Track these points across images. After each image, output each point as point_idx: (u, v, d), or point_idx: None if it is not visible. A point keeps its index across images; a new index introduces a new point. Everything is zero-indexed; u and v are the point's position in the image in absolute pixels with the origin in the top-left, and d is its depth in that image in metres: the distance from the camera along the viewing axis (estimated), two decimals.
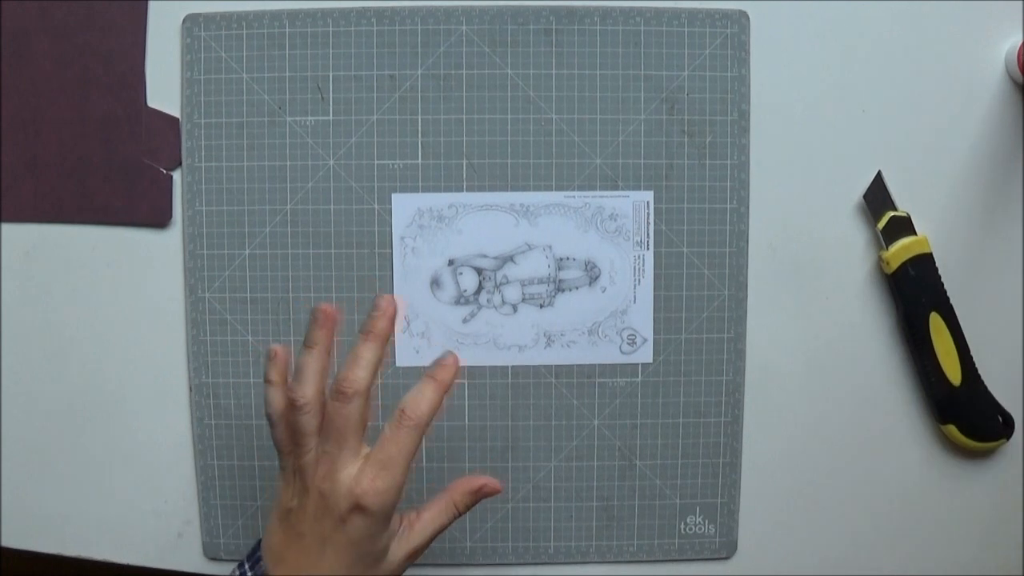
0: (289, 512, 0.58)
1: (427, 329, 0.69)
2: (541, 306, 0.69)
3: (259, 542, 0.60)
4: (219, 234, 0.69)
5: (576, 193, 0.69)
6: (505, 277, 0.69)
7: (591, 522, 0.71)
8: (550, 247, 0.69)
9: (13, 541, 0.71)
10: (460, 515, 0.61)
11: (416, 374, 0.69)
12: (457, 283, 0.69)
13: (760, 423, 0.70)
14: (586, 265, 0.69)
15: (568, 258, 0.69)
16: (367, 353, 0.58)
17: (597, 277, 0.69)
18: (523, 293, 0.69)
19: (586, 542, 0.71)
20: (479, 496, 0.61)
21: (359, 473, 0.57)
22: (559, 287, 0.69)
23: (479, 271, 0.69)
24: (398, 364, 0.69)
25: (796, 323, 0.70)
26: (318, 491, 0.57)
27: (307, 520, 0.57)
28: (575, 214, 0.69)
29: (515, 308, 0.69)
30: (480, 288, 0.69)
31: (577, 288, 0.69)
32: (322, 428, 0.58)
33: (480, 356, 0.69)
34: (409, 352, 0.69)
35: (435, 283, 0.69)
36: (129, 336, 0.70)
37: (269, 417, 0.60)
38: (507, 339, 0.69)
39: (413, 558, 0.60)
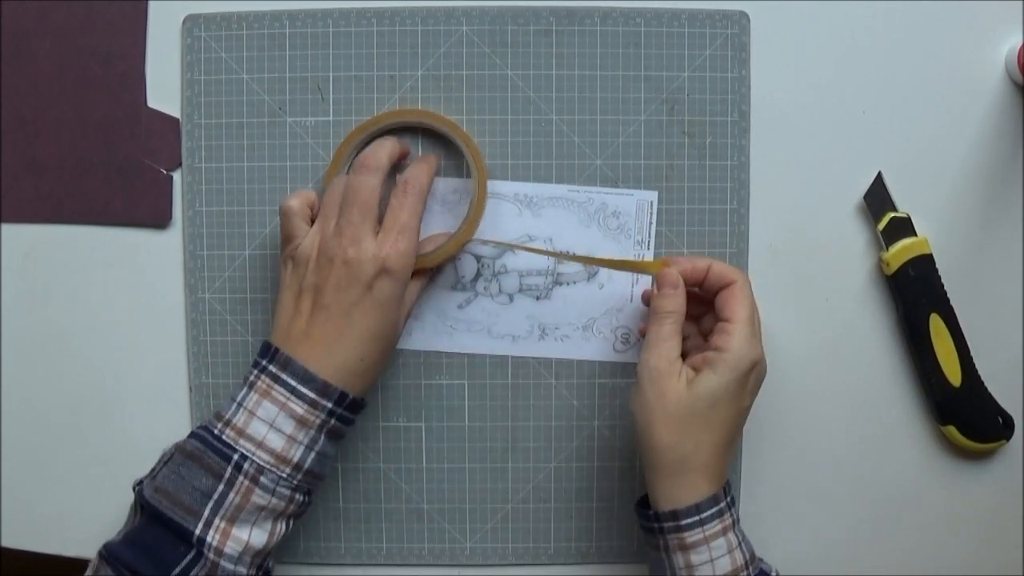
0: (304, 291, 0.61)
1: (421, 312, 0.69)
2: (537, 298, 0.69)
3: (265, 344, 0.61)
4: (219, 235, 0.69)
5: (580, 188, 0.69)
6: (504, 266, 0.69)
7: (591, 523, 0.71)
8: (551, 240, 0.69)
9: (13, 541, 0.71)
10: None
11: (409, 356, 0.69)
12: (455, 268, 0.69)
13: (760, 424, 0.70)
14: None
15: (568, 252, 0.69)
16: (387, 143, 0.65)
17: (596, 273, 0.69)
18: (520, 284, 0.69)
19: (586, 543, 0.71)
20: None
21: (381, 239, 0.61)
22: (557, 280, 0.69)
23: (478, 258, 0.69)
24: None
25: (796, 324, 0.70)
26: (343, 260, 0.60)
27: (330, 291, 0.60)
28: (578, 208, 0.69)
29: (511, 298, 0.69)
30: (478, 275, 0.69)
31: (575, 283, 0.69)
32: (344, 202, 0.62)
33: (473, 344, 0.69)
34: (403, 335, 0.69)
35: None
36: (129, 336, 0.70)
37: (288, 207, 0.63)
38: (501, 328, 0.69)
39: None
